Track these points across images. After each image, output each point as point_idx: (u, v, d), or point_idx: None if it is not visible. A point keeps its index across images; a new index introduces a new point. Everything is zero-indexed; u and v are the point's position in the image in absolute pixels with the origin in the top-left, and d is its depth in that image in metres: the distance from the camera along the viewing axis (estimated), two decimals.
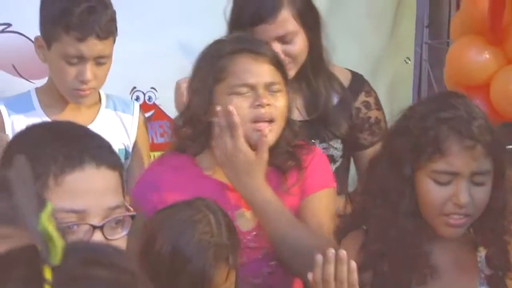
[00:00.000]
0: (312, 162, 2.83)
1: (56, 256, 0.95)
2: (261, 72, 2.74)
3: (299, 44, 3.09)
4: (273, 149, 2.76)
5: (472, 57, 3.74)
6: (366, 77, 3.34)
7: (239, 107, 2.68)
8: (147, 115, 3.67)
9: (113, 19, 3.05)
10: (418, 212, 2.41)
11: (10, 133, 3.12)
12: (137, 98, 3.85)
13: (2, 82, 3.67)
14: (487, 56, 3.70)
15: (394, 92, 4.27)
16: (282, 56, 3.00)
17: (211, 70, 2.76)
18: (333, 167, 3.12)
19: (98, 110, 3.22)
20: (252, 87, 2.71)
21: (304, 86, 3.17)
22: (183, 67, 3.67)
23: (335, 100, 3.20)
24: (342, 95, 3.19)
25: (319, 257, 2.33)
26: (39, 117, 3.12)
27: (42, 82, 3.42)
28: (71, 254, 0.98)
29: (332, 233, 2.68)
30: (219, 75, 2.73)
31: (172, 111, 3.42)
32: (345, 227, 2.61)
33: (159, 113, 3.81)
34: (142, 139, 3.26)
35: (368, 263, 2.44)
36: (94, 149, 1.75)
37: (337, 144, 3.18)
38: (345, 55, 3.50)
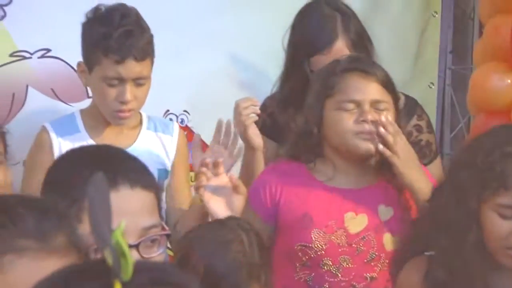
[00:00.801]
0: None
1: (127, 272, 0.95)
2: (368, 89, 2.83)
3: None
4: (386, 164, 2.89)
5: (494, 83, 3.75)
6: None
7: (345, 121, 2.80)
8: None
9: (150, 42, 3.09)
10: (483, 243, 2.39)
11: (57, 154, 3.13)
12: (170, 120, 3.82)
13: (42, 105, 3.64)
14: (509, 81, 3.71)
15: None
16: None
17: (322, 86, 2.88)
18: None
19: (139, 132, 3.25)
20: (358, 104, 2.80)
21: None
22: (214, 92, 3.80)
23: None
24: (395, 119, 3.24)
25: None
26: (84, 139, 3.17)
27: (79, 104, 3.49)
28: (140, 271, 0.98)
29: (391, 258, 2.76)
30: (329, 91, 2.85)
31: (203, 133, 3.40)
32: (407, 252, 2.62)
33: (191, 135, 3.75)
34: (181, 159, 3.28)
35: None
36: (129, 171, 1.77)
37: None
38: None
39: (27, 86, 3.65)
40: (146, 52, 3.06)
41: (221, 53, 3.78)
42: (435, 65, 4.47)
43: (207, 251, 2.47)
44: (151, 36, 3.11)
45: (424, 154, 3.23)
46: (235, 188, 2.83)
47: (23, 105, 3.65)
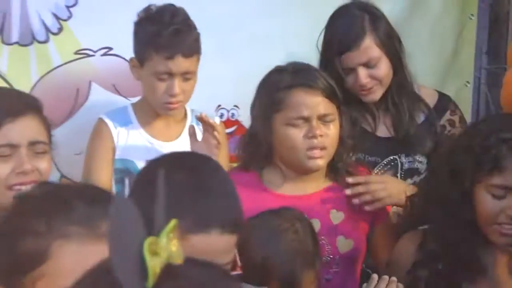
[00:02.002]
0: None
1: (149, 281, 0.93)
2: (314, 105, 2.84)
3: (383, 69, 3.20)
4: (333, 167, 2.92)
5: None
6: None
7: (295, 137, 2.82)
8: (230, 130, 3.78)
9: (197, 40, 3.17)
10: (475, 221, 2.50)
11: (117, 142, 3.28)
12: (221, 115, 3.88)
13: (104, 99, 3.68)
14: None
15: None
16: (368, 79, 3.14)
17: (269, 100, 2.89)
18: (417, 179, 3.24)
19: (185, 125, 3.33)
20: (306, 119, 2.81)
21: (391, 106, 3.28)
22: None
23: (421, 118, 3.29)
24: (428, 114, 3.28)
25: (375, 276, 2.46)
26: (136, 129, 3.28)
27: (137, 99, 3.51)
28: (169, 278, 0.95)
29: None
30: (277, 106, 2.86)
31: None
32: (404, 226, 2.72)
33: (241, 129, 3.81)
34: (222, 152, 3.24)
35: (425, 262, 2.53)
36: (223, 213, 1.78)
37: (422, 158, 3.28)
38: None
39: (90, 82, 3.70)
40: (193, 49, 3.14)
41: (270, 51, 3.79)
42: (471, 64, 4.49)
43: (263, 239, 2.49)
44: (198, 34, 3.18)
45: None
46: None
47: (86, 99, 3.71)
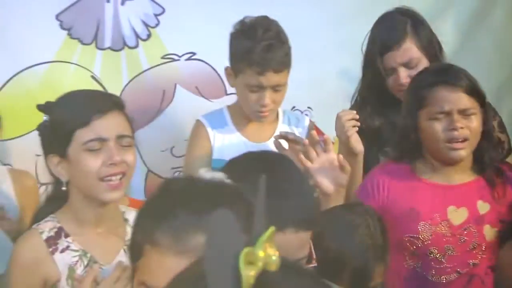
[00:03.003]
0: None
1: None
2: (455, 100, 2.91)
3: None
4: (477, 161, 3.02)
5: None
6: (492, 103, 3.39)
7: (437, 131, 2.93)
8: None
9: (287, 54, 3.21)
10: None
11: (213, 143, 3.33)
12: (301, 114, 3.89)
13: (187, 101, 3.78)
14: None
15: None
16: (408, 79, 3.20)
17: (414, 99, 3.00)
18: None
19: (277, 126, 3.39)
20: (448, 113, 2.91)
21: None
22: (336, 91, 3.89)
23: None
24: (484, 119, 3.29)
25: None
26: (231, 131, 3.36)
27: (219, 101, 3.68)
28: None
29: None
30: (421, 103, 2.96)
31: (324, 128, 3.57)
32: (506, 234, 2.84)
33: (315, 128, 3.70)
34: None
35: None
36: (298, 213, 1.76)
37: None
38: None
39: (175, 85, 3.81)
40: (284, 64, 3.18)
41: (343, 57, 3.83)
42: None
43: (337, 234, 2.52)
44: (289, 48, 3.22)
45: (497, 152, 3.25)
46: (341, 166, 2.82)
47: (171, 100, 3.81)
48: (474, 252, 2.98)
